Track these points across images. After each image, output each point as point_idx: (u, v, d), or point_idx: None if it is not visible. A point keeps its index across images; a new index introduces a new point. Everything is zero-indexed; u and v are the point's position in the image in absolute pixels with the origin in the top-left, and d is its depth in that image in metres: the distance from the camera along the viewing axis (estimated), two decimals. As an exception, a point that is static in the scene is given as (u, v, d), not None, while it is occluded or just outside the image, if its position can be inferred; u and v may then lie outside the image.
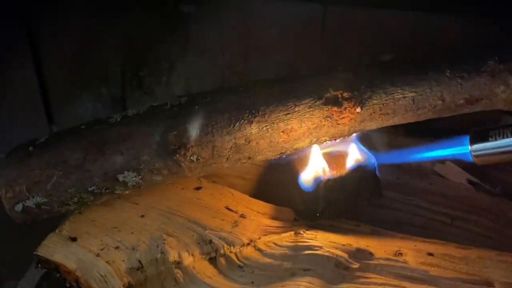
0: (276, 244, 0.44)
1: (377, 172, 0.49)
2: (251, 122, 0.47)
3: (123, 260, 0.45)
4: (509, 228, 0.51)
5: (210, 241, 0.45)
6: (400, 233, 0.47)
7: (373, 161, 0.49)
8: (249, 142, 0.47)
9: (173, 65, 0.69)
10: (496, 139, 0.42)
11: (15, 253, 0.54)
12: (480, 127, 0.46)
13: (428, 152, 0.47)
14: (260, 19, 0.63)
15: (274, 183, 0.54)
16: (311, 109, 0.47)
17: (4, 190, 0.47)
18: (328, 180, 0.46)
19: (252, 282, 0.42)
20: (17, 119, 0.72)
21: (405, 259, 0.42)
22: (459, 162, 0.56)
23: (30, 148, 0.49)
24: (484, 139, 0.43)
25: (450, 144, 0.46)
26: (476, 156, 0.43)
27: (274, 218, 0.48)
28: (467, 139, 0.44)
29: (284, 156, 0.49)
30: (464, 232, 0.52)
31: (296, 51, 0.62)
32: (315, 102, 0.47)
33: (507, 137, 0.42)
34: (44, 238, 0.47)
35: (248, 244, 0.45)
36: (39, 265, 0.47)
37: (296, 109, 0.47)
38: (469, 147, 0.44)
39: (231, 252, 0.45)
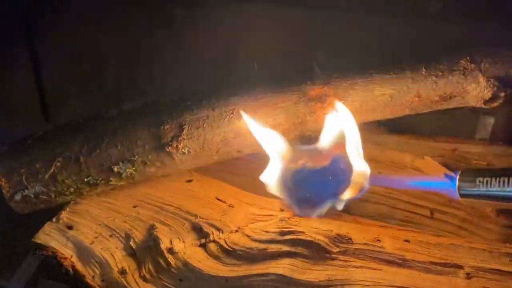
0: (262, 230, 0.47)
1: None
2: (239, 117, 0.50)
3: (117, 247, 0.47)
4: (483, 220, 0.54)
5: (201, 229, 0.48)
6: (379, 222, 0.50)
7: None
8: (238, 136, 0.50)
9: (167, 67, 0.71)
10: (485, 184, 0.42)
11: (10, 244, 0.56)
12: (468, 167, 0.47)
13: (417, 183, 0.48)
14: (251, 22, 0.66)
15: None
16: (296, 105, 0.50)
17: (4, 180, 0.49)
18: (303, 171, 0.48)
19: (239, 265, 0.44)
20: (14, 117, 0.73)
21: (382, 245, 0.45)
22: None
23: (29, 141, 0.51)
24: (472, 181, 0.43)
25: (438, 180, 0.46)
26: (462, 196, 0.43)
27: (261, 208, 0.50)
28: (455, 178, 0.44)
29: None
30: (441, 224, 0.55)
31: (286, 53, 0.65)
32: (300, 98, 0.50)
33: (495, 183, 0.42)
34: (39, 229, 0.49)
35: (236, 231, 0.47)
36: (36, 252, 0.49)
37: (282, 105, 0.50)
38: (456, 186, 0.44)
39: (220, 238, 0.47)
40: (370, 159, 0.57)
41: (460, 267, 0.42)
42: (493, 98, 0.48)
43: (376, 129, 0.61)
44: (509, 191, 0.41)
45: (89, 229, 0.49)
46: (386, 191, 0.57)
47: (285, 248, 0.44)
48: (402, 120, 0.54)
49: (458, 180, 0.44)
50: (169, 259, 0.46)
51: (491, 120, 0.61)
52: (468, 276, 0.41)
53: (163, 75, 0.71)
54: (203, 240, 0.47)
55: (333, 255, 0.44)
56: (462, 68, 0.48)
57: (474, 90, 0.48)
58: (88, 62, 0.73)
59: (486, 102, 0.49)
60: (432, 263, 0.43)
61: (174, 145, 0.49)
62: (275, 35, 0.64)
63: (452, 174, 0.45)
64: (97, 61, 0.73)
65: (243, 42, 0.65)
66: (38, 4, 0.69)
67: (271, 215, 0.49)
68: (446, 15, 0.56)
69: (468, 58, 0.48)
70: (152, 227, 0.48)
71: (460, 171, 0.44)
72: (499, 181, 0.41)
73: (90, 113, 0.73)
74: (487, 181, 0.42)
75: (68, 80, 0.74)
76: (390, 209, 0.57)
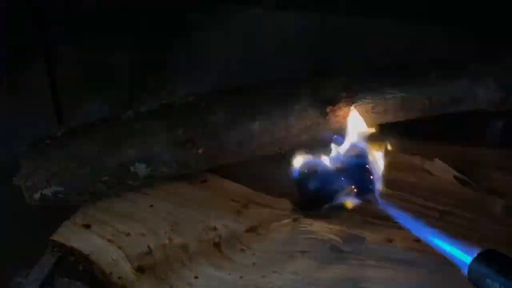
0: (276, 230, 0.48)
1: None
2: (254, 120, 0.51)
3: (134, 246, 0.48)
4: (492, 221, 0.54)
5: (215, 228, 0.49)
6: (390, 223, 0.51)
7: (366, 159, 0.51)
8: (253, 137, 0.51)
9: (178, 70, 0.72)
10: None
11: (28, 242, 0.57)
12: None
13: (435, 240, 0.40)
14: (262, 28, 0.67)
15: (274, 177, 0.58)
16: (308, 107, 0.51)
17: (24, 180, 0.50)
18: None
19: (254, 264, 0.45)
20: (28, 119, 0.74)
21: (394, 245, 0.45)
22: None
23: (48, 141, 0.52)
24: (483, 276, 0.35)
25: (456, 249, 0.38)
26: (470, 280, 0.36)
27: (274, 208, 0.51)
28: (473, 254, 0.36)
29: (283, 152, 0.53)
30: (450, 225, 0.55)
31: (298, 56, 0.65)
32: (312, 101, 0.51)
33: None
34: (56, 228, 0.51)
35: (250, 230, 0.48)
36: (54, 250, 0.50)
37: (295, 107, 0.51)
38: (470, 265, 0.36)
39: (233, 237, 0.48)
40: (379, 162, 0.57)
41: (471, 267, 0.42)
42: (503, 101, 0.49)
43: (385, 132, 0.62)
44: None
45: (106, 227, 0.50)
46: (396, 193, 0.58)
47: (299, 247, 0.45)
48: (411, 123, 0.55)
49: (470, 264, 0.36)
50: (184, 258, 0.47)
51: (500, 124, 0.62)
52: (479, 276, 0.42)
53: (175, 78, 0.72)
54: (217, 240, 0.48)
55: (346, 255, 0.44)
56: (472, 71, 0.49)
57: (484, 93, 0.49)
58: (102, 65, 0.74)
59: (496, 105, 0.49)
60: (442, 263, 0.43)
61: (190, 146, 0.50)
62: (287, 38, 0.65)
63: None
64: (110, 63, 0.74)
65: (255, 45, 0.66)
66: (53, 7, 0.70)
67: (284, 215, 0.50)
68: (457, 19, 0.56)
69: (478, 61, 0.49)
70: (167, 226, 0.49)
71: (483, 251, 0.36)
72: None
73: (102, 115, 0.75)
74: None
75: (82, 82, 0.75)
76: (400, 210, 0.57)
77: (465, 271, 0.36)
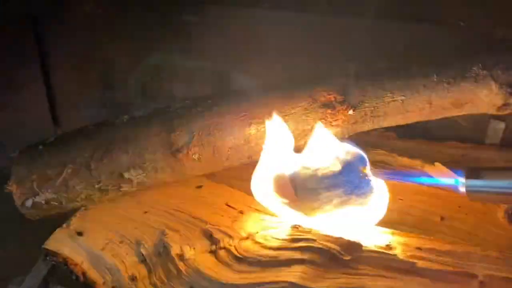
0: (273, 238, 0.47)
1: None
2: (250, 124, 0.50)
3: (128, 254, 0.47)
4: (494, 227, 0.53)
5: (211, 235, 0.48)
6: (390, 230, 0.50)
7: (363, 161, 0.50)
8: (248, 142, 0.50)
9: (175, 72, 0.71)
10: (490, 179, 0.43)
11: (21, 250, 0.56)
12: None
13: (423, 178, 0.48)
14: (260, 29, 0.66)
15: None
16: (307, 111, 0.50)
17: (15, 186, 0.49)
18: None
19: (250, 272, 0.44)
20: (23, 121, 0.73)
21: (394, 253, 0.44)
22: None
23: (40, 147, 0.51)
24: (478, 177, 0.43)
25: (446, 176, 0.46)
26: (468, 192, 0.44)
27: (271, 214, 0.50)
28: (461, 173, 0.44)
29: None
30: (452, 230, 0.54)
31: (295, 59, 0.64)
32: (310, 105, 0.50)
33: (501, 176, 0.43)
34: (51, 234, 0.50)
35: (247, 237, 0.47)
36: (47, 258, 0.49)
37: (293, 111, 0.50)
38: (463, 181, 0.44)
39: (230, 245, 0.47)
40: (380, 164, 0.57)
41: (474, 276, 0.42)
42: (506, 105, 0.48)
43: (386, 134, 0.61)
44: None
45: (99, 235, 0.49)
46: (397, 197, 0.57)
47: (297, 255, 0.44)
48: (412, 125, 0.54)
49: (465, 176, 0.44)
50: (179, 266, 0.46)
51: (501, 125, 0.61)
52: (482, 285, 0.41)
53: (172, 81, 0.71)
54: (213, 247, 0.47)
55: (345, 263, 0.43)
56: (474, 74, 0.48)
57: (486, 97, 0.48)
58: (97, 68, 0.73)
59: (498, 109, 0.48)
60: (445, 271, 0.43)
61: (185, 152, 0.49)
62: (284, 41, 0.64)
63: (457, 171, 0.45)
64: (106, 67, 0.73)
65: (252, 48, 0.65)
66: (48, 11, 0.69)
67: (282, 222, 0.49)
68: (458, 20, 0.55)
69: (480, 64, 0.48)
70: (162, 234, 0.48)
71: (466, 168, 0.45)
72: (506, 175, 0.43)
73: (99, 118, 0.74)
74: (493, 175, 0.43)
75: (78, 86, 0.74)
76: (401, 215, 0.56)
77: (462, 190, 0.44)
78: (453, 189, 0.45)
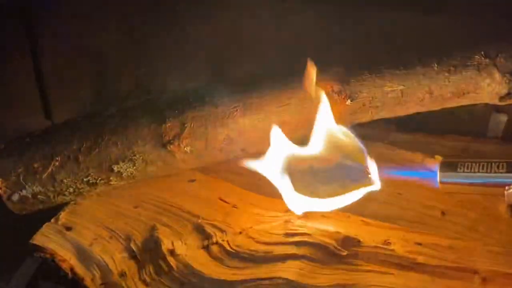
0: (267, 232, 0.46)
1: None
2: (244, 115, 0.48)
3: (117, 249, 0.46)
4: (496, 221, 0.52)
5: (203, 230, 0.46)
6: (389, 224, 0.48)
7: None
8: (242, 134, 0.48)
9: (169, 64, 0.70)
10: (464, 171, 0.45)
11: (9, 247, 0.55)
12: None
13: (402, 173, 0.49)
14: (255, 19, 0.65)
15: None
16: (303, 102, 0.48)
17: (1, 180, 0.48)
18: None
19: (244, 267, 0.43)
20: (14, 114, 0.72)
21: (393, 248, 0.43)
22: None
23: (27, 139, 0.50)
24: (453, 169, 0.45)
25: (422, 169, 0.48)
26: (442, 183, 0.46)
27: (265, 209, 0.49)
28: (437, 166, 0.47)
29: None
30: (453, 225, 0.53)
31: (291, 49, 0.63)
32: (306, 95, 0.48)
33: (474, 171, 0.45)
34: (37, 231, 0.48)
35: (240, 232, 0.46)
36: (35, 254, 0.48)
37: (288, 102, 0.48)
38: (438, 174, 0.46)
39: (223, 240, 0.46)
40: (380, 158, 0.55)
41: (475, 271, 0.41)
42: (509, 94, 0.46)
43: (385, 127, 0.60)
44: (489, 176, 0.44)
45: (88, 230, 0.48)
46: (396, 191, 0.56)
47: (291, 251, 0.43)
48: (412, 118, 0.53)
49: (439, 168, 0.46)
50: (170, 262, 0.45)
51: (504, 118, 0.60)
52: (484, 281, 0.40)
53: (165, 71, 0.70)
54: (205, 242, 0.46)
55: (342, 259, 0.42)
56: (476, 63, 0.46)
57: (489, 86, 0.46)
58: (89, 59, 0.71)
59: (501, 98, 0.47)
60: (445, 267, 0.41)
61: (176, 144, 0.48)
62: (280, 31, 0.62)
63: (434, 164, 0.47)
64: (98, 57, 0.72)
65: (247, 38, 0.64)
66: (39, 1, 0.68)
67: (276, 216, 0.48)
68: (460, 9, 0.54)
69: (482, 52, 0.46)
70: (153, 229, 0.47)
71: (441, 161, 0.47)
72: (479, 165, 0.44)
73: (91, 110, 0.73)
74: (467, 166, 0.45)
75: (69, 76, 0.73)
76: (399, 209, 0.55)
77: (436, 182, 0.46)
78: (430, 182, 0.47)
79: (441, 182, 0.46)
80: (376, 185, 0.47)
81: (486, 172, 0.44)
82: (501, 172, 0.44)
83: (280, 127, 0.47)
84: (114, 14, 0.68)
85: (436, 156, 0.57)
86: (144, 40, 0.70)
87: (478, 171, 0.44)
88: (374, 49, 0.55)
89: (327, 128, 0.47)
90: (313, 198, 0.46)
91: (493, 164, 0.44)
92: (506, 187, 0.44)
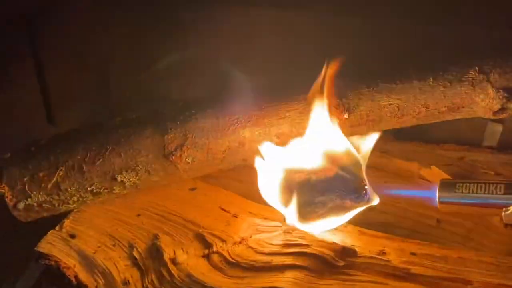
0: (266, 242, 0.46)
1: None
2: (244, 127, 0.49)
3: (120, 257, 0.47)
4: (490, 231, 0.53)
5: (204, 239, 0.47)
6: (385, 234, 0.49)
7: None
8: (243, 145, 0.49)
9: (171, 71, 0.71)
10: (462, 191, 0.46)
11: (14, 252, 0.56)
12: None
13: (401, 191, 0.50)
14: (256, 27, 0.65)
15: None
16: (301, 114, 0.49)
17: (7, 189, 0.49)
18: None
19: (243, 277, 0.44)
20: (18, 121, 0.73)
21: (388, 258, 0.44)
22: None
23: (32, 149, 0.51)
24: (452, 189, 0.47)
25: (421, 189, 0.50)
26: (441, 203, 0.47)
27: (265, 218, 0.50)
28: (436, 187, 0.47)
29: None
30: (448, 234, 0.54)
31: (291, 60, 0.64)
32: (305, 108, 0.49)
33: (472, 192, 0.46)
34: (43, 236, 0.49)
35: (240, 242, 0.47)
36: (39, 260, 0.48)
37: (287, 114, 0.49)
38: (437, 194, 0.47)
39: (223, 249, 0.46)
40: (376, 167, 0.56)
41: (469, 282, 0.41)
42: (502, 109, 0.47)
43: (382, 136, 0.61)
44: (487, 197, 0.45)
45: (92, 238, 0.49)
46: (392, 201, 0.56)
47: (290, 261, 0.44)
48: (409, 127, 0.53)
49: (438, 188, 0.47)
50: (172, 270, 0.45)
51: (499, 128, 0.60)
52: (476, 292, 0.41)
53: (168, 81, 0.71)
54: (206, 251, 0.47)
55: (339, 269, 0.43)
56: (470, 78, 0.47)
57: (483, 101, 0.47)
58: (93, 67, 0.72)
59: (495, 113, 0.48)
60: (439, 277, 0.42)
61: (178, 155, 0.49)
62: (280, 41, 0.63)
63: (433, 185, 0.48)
64: (101, 66, 0.72)
65: (248, 48, 0.65)
66: (42, 8, 0.68)
67: (276, 226, 0.48)
68: (455, 23, 0.55)
69: (476, 68, 0.47)
70: (155, 237, 0.48)
71: (440, 181, 0.48)
72: (478, 186, 0.45)
73: (94, 118, 0.73)
74: (466, 186, 0.46)
75: (73, 85, 0.73)
76: (396, 218, 0.56)
77: (435, 202, 0.47)
78: (429, 202, 0.48)
79: (440, 202, 0.47)
80: (375, 201, 0.47)
81: (484, 193, 0.45)
82: (499, 194, 0.45)
83: (277, 138, 0.48)
84: (117, 23, 0.69)
85: (433, 167, 0.58)
86: (147, 48, 0.70)
87: (477, 192, 0.45)
88: (371, 62, 0.55)
89: (325, 138, 0.48)
90: (309, 223, 0.47)
91: (491, 185, 0.45)
92: (504, 208, 0.45)
